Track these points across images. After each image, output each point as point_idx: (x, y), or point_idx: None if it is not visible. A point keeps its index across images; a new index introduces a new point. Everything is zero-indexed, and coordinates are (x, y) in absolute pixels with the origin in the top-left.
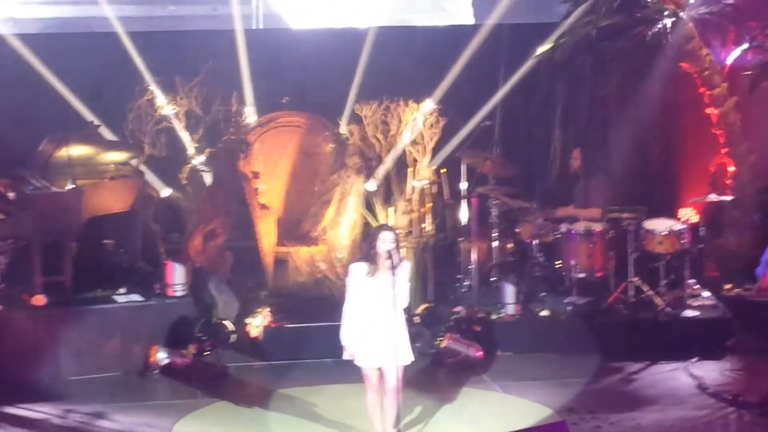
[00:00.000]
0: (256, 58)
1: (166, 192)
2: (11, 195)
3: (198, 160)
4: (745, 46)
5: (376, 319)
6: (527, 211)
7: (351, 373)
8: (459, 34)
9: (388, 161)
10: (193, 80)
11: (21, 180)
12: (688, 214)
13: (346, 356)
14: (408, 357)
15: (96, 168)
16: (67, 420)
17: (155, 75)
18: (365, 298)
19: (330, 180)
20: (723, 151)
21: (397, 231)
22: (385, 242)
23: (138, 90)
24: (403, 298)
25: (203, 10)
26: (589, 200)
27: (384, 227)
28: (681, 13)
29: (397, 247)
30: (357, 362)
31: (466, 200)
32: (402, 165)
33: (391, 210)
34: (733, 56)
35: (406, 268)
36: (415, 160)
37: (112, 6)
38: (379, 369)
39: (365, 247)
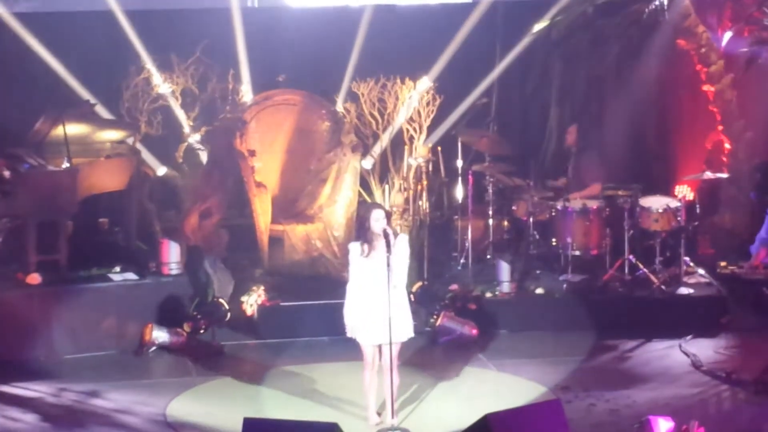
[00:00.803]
0: (253, 36)
1: (162, 170)
2: (6, 173)
3: (194, 139)
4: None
5: (374, 297)
6: (523, 188)
7: (346, 350)
8: (456, 12)
9: (385, 139)
10: (190, 58)
11: (16, 158)
12: (684, 192)
13: (349, 334)
14: (407, 333)
15: (92, 147)
16: (62, 398)
17: (151, 53)
18: (362, 276)
19: (326, 158)
20: (719, 128)
21: (393, 208)
22: (378, 221)
23: (134, 68)
24: (402, 274)
25: None
26: (584, 176)
27: (374, 205)
28: None
29: (389, 223)
30: (357, 339)
31: (461, 178)
32: (398, 143)
33: (386, 188)
34: (729, 34)
35: (404, 242)
36: (412, 138)
37: None
38: (378, 346)
39: (359, 227)
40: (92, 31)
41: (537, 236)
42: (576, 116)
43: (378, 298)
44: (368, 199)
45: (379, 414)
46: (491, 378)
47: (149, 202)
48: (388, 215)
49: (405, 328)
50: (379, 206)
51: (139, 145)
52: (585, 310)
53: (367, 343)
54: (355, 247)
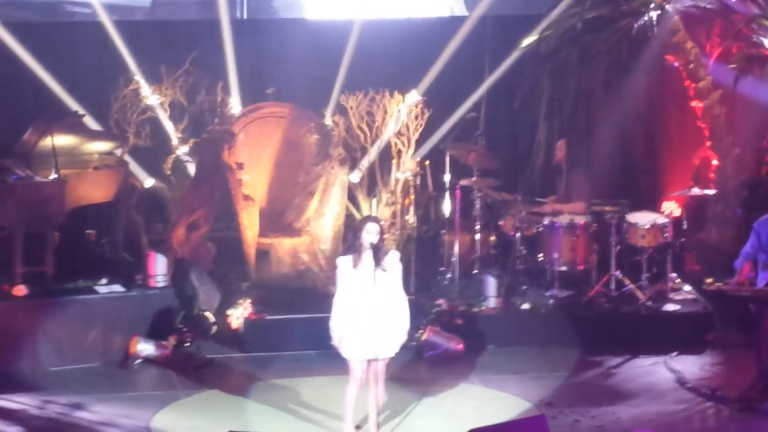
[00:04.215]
0: (242, 48)
1: (149, 182)
2: None
3: (182, 151)
4: (730, 40)
5: (362, 311)
6: (511, 203)
7: (332, 364)
8: (445, 26)
9: (373, 152)
10: (179, 70)
11: (4, 169)
12: (671, 208)
13: (335, 343)
14: (393, 349)
15: (80, 158)
16: (47, 411)
17: (140, 65)
18: (351, 290)
19: (314, 171)
20: (707, 144)
21: (383, 222)
22: (370, 234)
23: (123, 80)
24: (396, 289)
25: None
26: (572, 193)
27: (370, 218)
28: (666, 6)
29: (382, 239)
30: (344, 354)
31: (449, 192)
32: (386, 156)
33: (374, 201)
34: (718, 50)
35: (395, 258)
36: (400, 152)
37: None
38: (366, 361)
39: (350, 238)
40: (81, 42)
41: (524, 251)
42: (564, 131)
43: (366, 313)
44: (355, 213)
45: (358, 427)
46: (476, 393)
47: (136, 213)
48: (382, 231)
49: (393, 344)
50: (376, 221)
51: (127, 157)
52: (571, 325)
53: (356, 358)
54: (344, 261)
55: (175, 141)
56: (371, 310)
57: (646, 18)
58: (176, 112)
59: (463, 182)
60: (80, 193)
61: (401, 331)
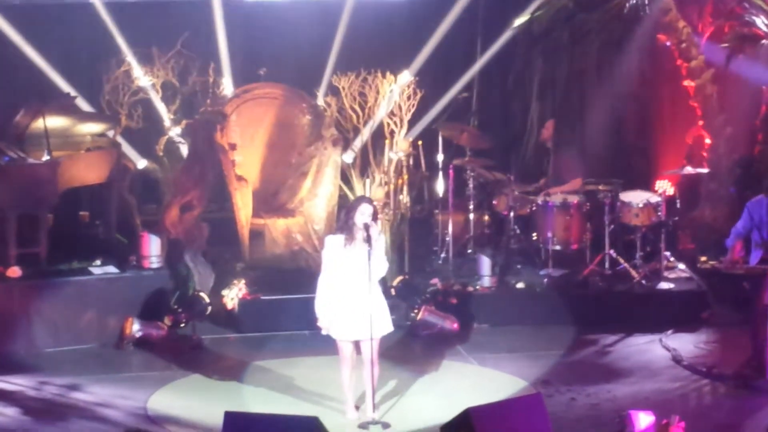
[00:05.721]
0: (234, 29)
1: (142, 163)
2: None
3: (174, 132)
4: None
5: (352, 291)
6: (504, 183)
7: (326, 344)
8: (437, 6)
9: (365, 133)
10: (170, 51)
11: None
12: (664, 187)
13: (323, 331)
14: (386, 328)
15: (72, 139)
16: (43, 392)
17: (132, 46)
18: (341, 270)
19: (307, 152)
20: (699, 123)
21: (374, 202)
22: (363, 214)
23: (115, 61)
24: (379, 268)
25: None
26: (562, 172)
27: (363, 199)
28: None
29: (375, 220)
30: (332, 335)
31: (442, 172)
32: (379, 137)
33: (367, 182)
34: (710, 30)
35: (381, 241)
36: (392, 132)
37: None
38: (355, 342)
39: (343, 218)
40: (73, 24)
41: (518, 231)
42: (556, 111)
43: (355, 293)
44: (349, 194)
45: (357, 407)
46: (472, 372)
47: (130, 195)
48: (375, 213)
49: (384, 323)
50: (370, 202)
51: (119, 138)
52: (565, 304)
53: (344, 339)
54: (332, 240)
55: (167, 122)
56: (362, 290)
57: None
58: (168, 93)
59: (456, 162)
60: (73, 175)
61: (387, 310)
